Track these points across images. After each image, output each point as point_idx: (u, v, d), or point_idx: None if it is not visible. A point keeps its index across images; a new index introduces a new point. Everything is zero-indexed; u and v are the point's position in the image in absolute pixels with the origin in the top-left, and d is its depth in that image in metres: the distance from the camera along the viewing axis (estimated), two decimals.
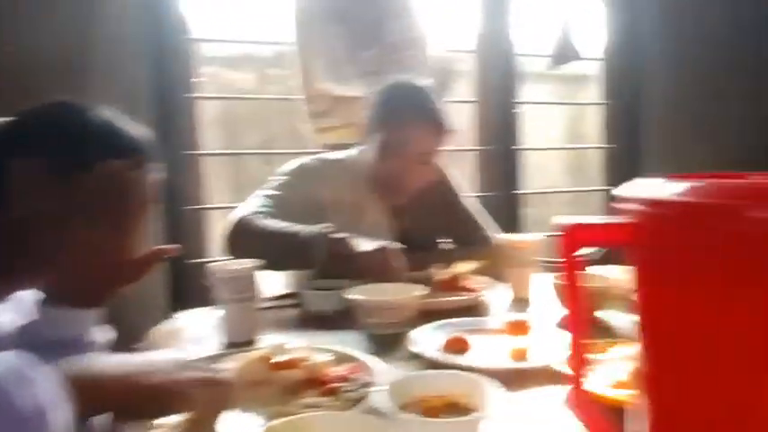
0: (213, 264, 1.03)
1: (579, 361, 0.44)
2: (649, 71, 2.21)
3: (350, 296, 1.04)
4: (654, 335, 0.41)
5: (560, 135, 3.03)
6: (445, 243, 1.54)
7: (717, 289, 0.37)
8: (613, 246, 0.44)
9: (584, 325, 0.45)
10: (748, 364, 0.37)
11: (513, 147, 2.15)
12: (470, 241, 1.46)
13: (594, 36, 2.30)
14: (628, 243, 0.43)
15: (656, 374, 0.41)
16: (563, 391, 0.74)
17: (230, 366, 0.76)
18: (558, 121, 3.02)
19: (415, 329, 0.97)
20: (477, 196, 2.13)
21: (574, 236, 0.44)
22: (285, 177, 1.39)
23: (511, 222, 2.12)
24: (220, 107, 2.47)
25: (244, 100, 2.24)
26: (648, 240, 0.41)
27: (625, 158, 2.22)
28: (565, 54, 2.12)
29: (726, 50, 2.23)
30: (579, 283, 0.45)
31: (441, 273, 1.26)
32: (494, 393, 0.65)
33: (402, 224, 1.44)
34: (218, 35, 2.17)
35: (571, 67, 2.20)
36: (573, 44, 2.13)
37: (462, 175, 2.05)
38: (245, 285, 0.99)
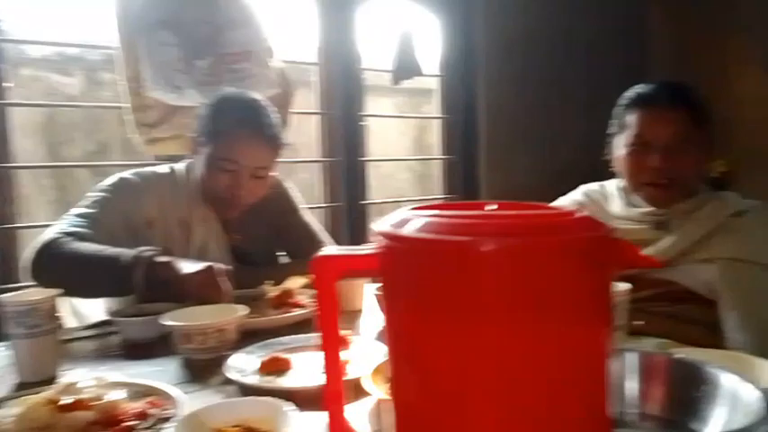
0: (4, 295, 0.92)
1: (335, 391, 0.45)
2: (481, 86, 2.38)
3: (166, 322, 0.99)
4: (395, 348, 0.44)
5: (410, 146, 3.16)
6: (282, 257, 1.53)
7: (436, 312, 0.41)
8: (364, 275, 0.46)
9: (339, 351, 0.46)
10: (467, 373, 0.41)
11: (360, 158, 2.20)
12: (307, 255, 1.46)
13: (436, 52, 2.43)
14: (375, 271, 0.45)
15: (397, 379, 0.44)
16: (368, 404, 0.76)
17: (11, 412, 0.69)
18: (407, 132, 3.15)
19: (236, 352, 0.95)
20: (324, 207, 2.16)
21: (325, 266, 0.46)
22: (102, 194, 1.28)
23: (359, 232, 2.17)
24: (43, 114, 2.24)
25: (65, 107, 2.04)
26: (386, 269, 0.43)
27: (462, 169, 2.37)
28: (405, 70, 2.21)
29: (554, 67, 2.48)
30: (334, 313, 0.46)
31: (273, 289, 1.25)
32: (291, 416, 0.66)
33: (236, 239, 1.40)
34: (38, 35, 1.98)
35: (416, 82, 2.30)
36: (414, 60, 2.23)
37: (309, 186, 2.05)
38: (41, 317, 0.90)
